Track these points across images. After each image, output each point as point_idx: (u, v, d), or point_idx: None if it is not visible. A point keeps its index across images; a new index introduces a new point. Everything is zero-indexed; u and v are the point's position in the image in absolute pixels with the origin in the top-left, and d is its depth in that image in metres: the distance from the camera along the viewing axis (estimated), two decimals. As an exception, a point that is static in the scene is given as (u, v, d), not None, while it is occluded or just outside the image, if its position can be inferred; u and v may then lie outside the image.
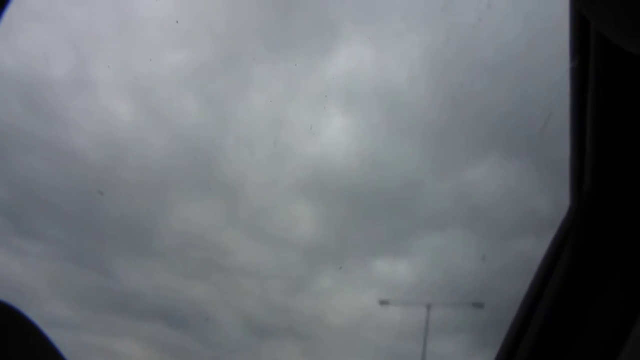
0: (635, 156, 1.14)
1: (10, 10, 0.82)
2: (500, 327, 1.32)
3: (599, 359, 1.13)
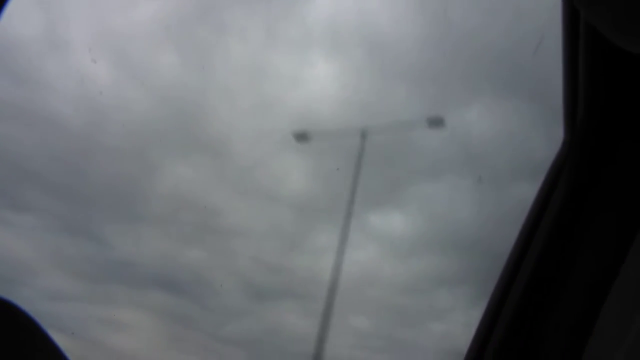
0: (629, 84, 1.12)
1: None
2: (497, 275, 1.33)
3: (594, 292, 1.15)
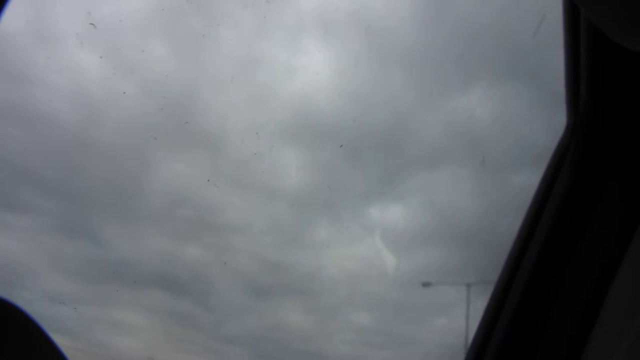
0: (633, 68, 1.10)
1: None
2: (499, 267, 1.31)
3: (597, 285, 1.14)
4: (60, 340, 0.87)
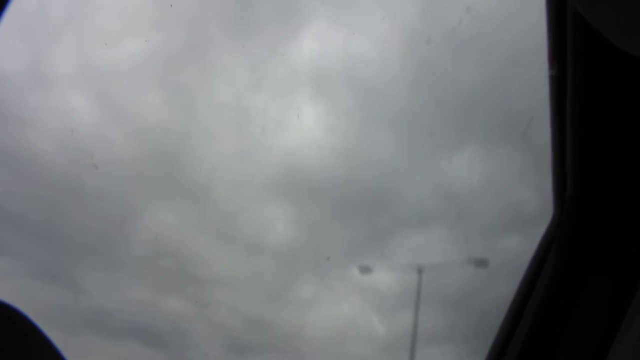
0: (616, 163, 1.14)
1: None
2: (488, 333, 1.31)
3: None
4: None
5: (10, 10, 0.82)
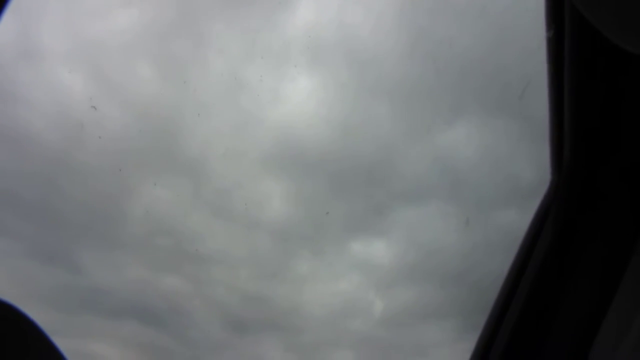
0: (614, 129, 1.13)
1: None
2: (487, 308, 1.32)
3: (580, 334, 1.15)
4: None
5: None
